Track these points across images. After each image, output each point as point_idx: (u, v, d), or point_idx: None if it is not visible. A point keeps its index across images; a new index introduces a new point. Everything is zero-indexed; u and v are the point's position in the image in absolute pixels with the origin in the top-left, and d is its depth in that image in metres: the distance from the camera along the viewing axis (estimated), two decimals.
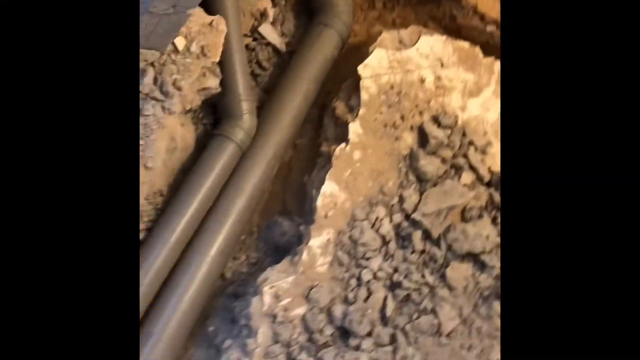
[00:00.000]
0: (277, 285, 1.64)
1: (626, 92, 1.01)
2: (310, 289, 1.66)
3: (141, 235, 1.68)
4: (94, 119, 1.00)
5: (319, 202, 1.74)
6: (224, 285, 1.81)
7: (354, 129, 1.85)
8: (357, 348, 1.61)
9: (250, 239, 1.89)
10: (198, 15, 1.68)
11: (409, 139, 1.92)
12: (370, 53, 1.96)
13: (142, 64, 1.55)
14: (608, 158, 1.01)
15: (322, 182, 1.78)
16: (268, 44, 2.10)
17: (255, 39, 2.09)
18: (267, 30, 2.10)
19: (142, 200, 1.64)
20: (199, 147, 1.85)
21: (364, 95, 1.89)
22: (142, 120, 1.54)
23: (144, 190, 1.64)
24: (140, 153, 1.53)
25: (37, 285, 0.95)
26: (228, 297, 1.76)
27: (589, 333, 0.98)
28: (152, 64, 1.57)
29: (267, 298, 1.62)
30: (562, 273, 1.00)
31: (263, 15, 2.10)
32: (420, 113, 1.95)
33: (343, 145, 1.83)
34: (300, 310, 1.64)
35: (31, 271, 0.95)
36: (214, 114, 1.92)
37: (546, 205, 1.01)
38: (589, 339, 0.98)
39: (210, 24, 1.72)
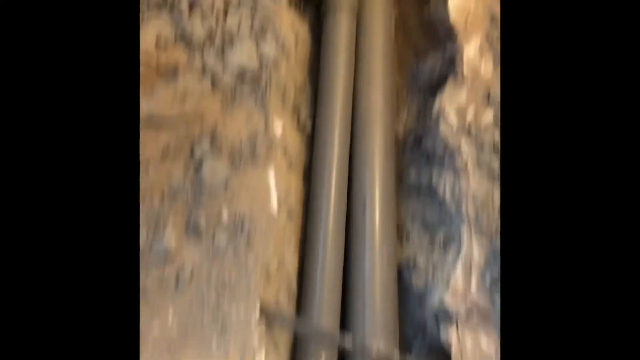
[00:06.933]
0: (455, 104, 1.60)
1: None
2: (488, 94, 1.60)
3: (308, 128, 1.70)
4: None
5: (452, 14, 1.68)
6: (401, 140, 1.79)
7: None
8: None
9: (402, 95, 1.86)
10: None
11: None
12: None
13: None
14: None
15: (445, 0, 1.72)
16: None
17: None
18: None
19: (293, 93, 1.66)
20: (316, 37, 1.85)
21: None
22: (259, 14, 1.56)
23: (292, 84, 1.66)
24: (274, 37, 1.54)
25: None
26: (412, 145, 1.74)
27: None
28: None
29: (452, 117, 1.58)
30: None
31: None
32: None
33: None
34: (488, 116, 1.58)
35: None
36: (312, 5, 1.92)
37: None
38: None
39: None
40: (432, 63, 1.79)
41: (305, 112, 1.71)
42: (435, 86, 1.78)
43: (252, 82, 1.47)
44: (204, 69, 1.41)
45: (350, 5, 1.79)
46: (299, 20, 1.80)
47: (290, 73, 1.64)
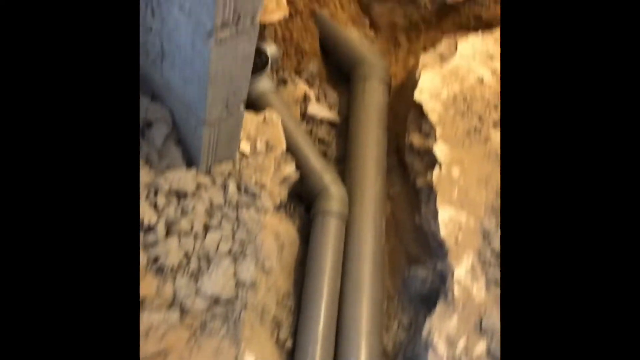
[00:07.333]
0: (444, 331, 1.49)
1: None
2: (481, 321, 1.50)
3: (288, 344, 1.59)
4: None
5: (443, 231, 1.63)
6: (391, 356, 1.66)
7: (440, 149, 1.77)
8: None
9: (392, 304, 1.76)
10: (250, 117, 1.71)
11: (498, 135, 1.81)
12: (419, 78, 1.93)
13: (221, 178, 1.56)
14: None
15: (435, 213, 1.67)
16: (322, 121, 2.12)
17: (308, 122, 2.11)
18: (316, 109, 2.12)
19: (274, 308, 1.58)
20: (304, 238, 1.80)
21: (432, 117, 1.83)
22: (242, 229, 1.52)
23: (273, 298, 1.58)
24: (253, 258, 1.48)
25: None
26: None
27: None
28: (229, 175, 1.58)
29: (442, 347, 1.47)
30: None
31: (305, 98, 2.13)
32: (495, 107, 1.86)
33: (437, 169, 1.74)
34: (481, 346, 1.46)
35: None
36: (302, 202, 1.89)
37: None
38: None
39: (264, 120, 1.74)
40: (423, 274, 1.70)
41: (286, 327, 1.61)
42: (427, 299, 1.69)
43: (225, 307, 1.39)
44: (174, 298, 1.35)
45: (340, 210, 1.76)
46: (287, 223, 1.76)
47: (272, 288, 1.57)
